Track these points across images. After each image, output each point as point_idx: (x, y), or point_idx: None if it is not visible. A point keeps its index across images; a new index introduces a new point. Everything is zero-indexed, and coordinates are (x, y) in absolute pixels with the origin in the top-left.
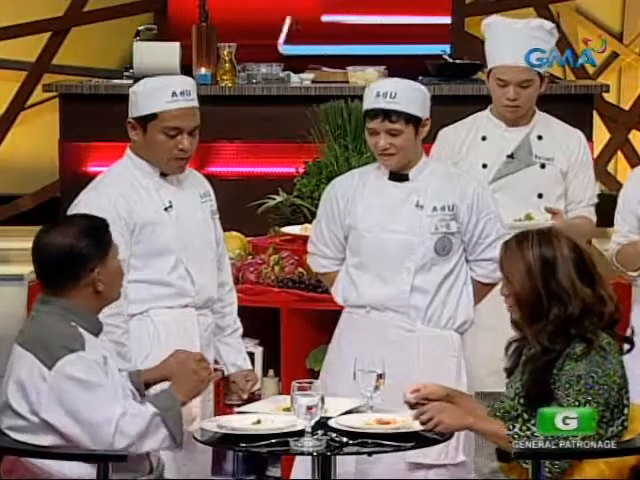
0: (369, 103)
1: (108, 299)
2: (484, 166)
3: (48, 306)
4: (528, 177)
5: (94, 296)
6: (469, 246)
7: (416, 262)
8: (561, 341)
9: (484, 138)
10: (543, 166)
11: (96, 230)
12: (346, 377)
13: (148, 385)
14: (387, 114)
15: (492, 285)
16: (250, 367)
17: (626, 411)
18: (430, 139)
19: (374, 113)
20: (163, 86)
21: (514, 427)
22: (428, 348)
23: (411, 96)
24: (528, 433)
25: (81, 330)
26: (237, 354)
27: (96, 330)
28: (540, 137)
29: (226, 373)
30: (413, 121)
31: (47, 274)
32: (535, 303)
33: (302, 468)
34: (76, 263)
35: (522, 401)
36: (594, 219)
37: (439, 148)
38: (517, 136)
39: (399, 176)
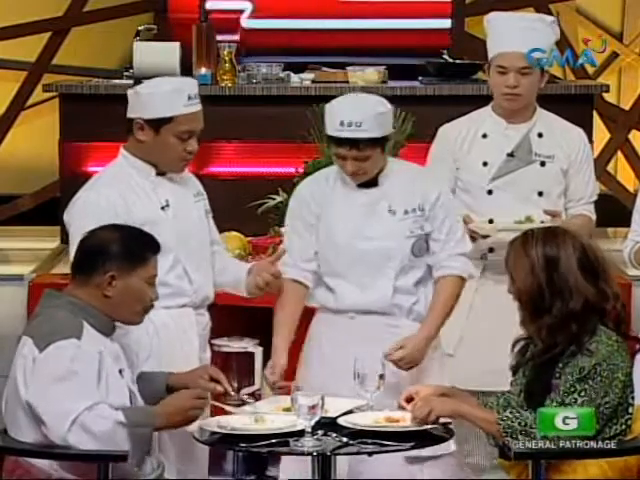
0: (333, 130)
1: (117, 309)
2: (484, 164)
3: (59, 300)
4: (528, 175)
5: (102, 299)
6: (441, 243)
7: (395, 267)
8: (561, 337)
9: (484, 135)
10: (543, 164)
11: (137, 244)
12: (329, 374)
13: (171, 389)
14: (354, 143)
15: (465, 280)
16: None
17: (630, 410)
18: (429, 138)
19: (339, 142)
20: (179, 89)
21: (504, 411)
22: None
23: (376, 120)
24: (518, 415)
25: (85, 323)
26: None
27: (106, 330)
28: (540, 135)
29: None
30: (380, 142)
31: (75, 260)
32: (537, 300)
33: (290, 469)
34: (96, 259)
35: (525, 396)
36: (594, 217)
37: (439, 145)
38: (517, 134)
39: (368, 182)
